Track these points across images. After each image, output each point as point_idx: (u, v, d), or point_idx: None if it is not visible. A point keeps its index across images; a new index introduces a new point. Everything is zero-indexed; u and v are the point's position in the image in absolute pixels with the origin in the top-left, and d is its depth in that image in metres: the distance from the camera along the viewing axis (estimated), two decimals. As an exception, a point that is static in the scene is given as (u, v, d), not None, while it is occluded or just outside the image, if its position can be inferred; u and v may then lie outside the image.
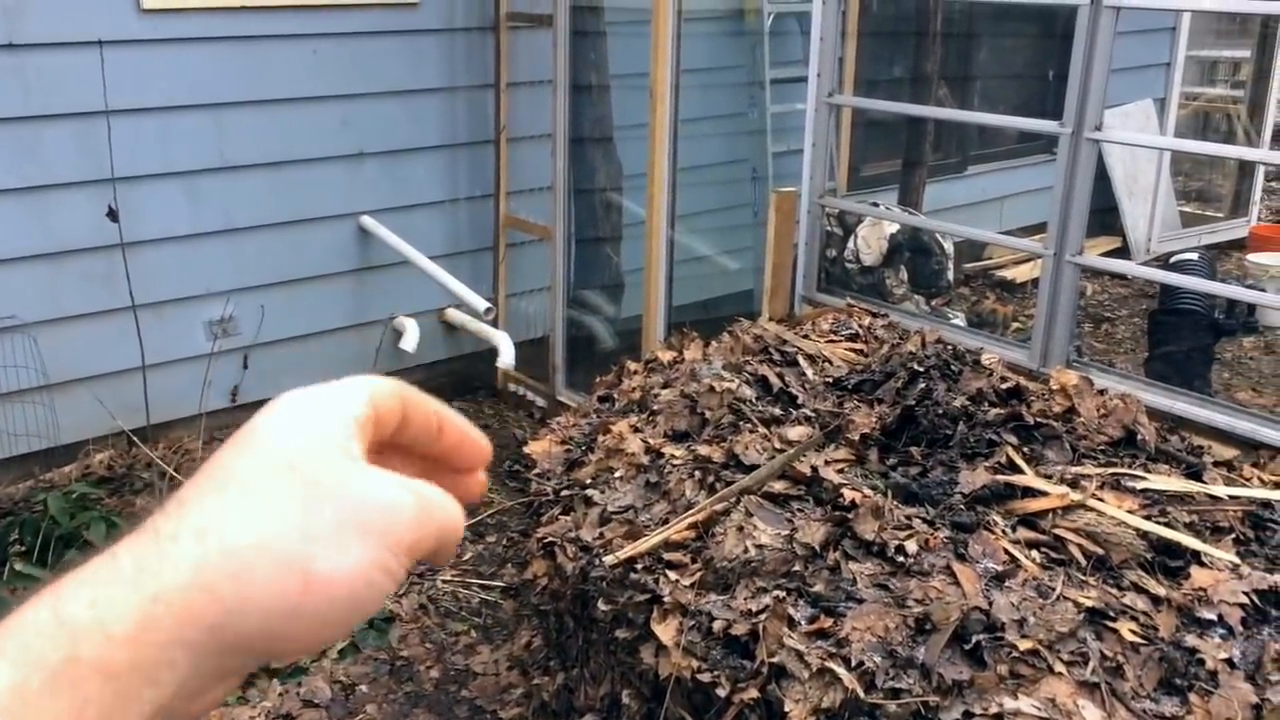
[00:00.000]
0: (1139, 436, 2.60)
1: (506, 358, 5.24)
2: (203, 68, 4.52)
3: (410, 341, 5.26)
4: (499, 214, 5.51)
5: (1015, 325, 6.10)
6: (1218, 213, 8.72)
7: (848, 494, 2.30)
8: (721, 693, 2.07)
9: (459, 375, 5.69)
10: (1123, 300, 7.26)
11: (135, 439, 4.47)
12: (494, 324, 5.54)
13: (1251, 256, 7.08)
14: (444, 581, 3.77)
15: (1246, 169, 8.52)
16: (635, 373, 3.26)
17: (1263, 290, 6.68)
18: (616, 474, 2.63)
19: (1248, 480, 2.77)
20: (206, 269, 4.68)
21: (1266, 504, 2.58)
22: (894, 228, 4.16)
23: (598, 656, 2.39)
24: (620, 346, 5.32)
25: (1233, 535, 2.44)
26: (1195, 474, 2.61)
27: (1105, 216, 8.34)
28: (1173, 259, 4.55)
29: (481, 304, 4.88)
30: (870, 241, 4.03)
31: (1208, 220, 8.56)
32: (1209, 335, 3.73)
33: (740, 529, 2.25)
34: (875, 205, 4.28)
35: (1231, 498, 2.37)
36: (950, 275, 4.44)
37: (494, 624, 3.55)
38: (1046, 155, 8.39)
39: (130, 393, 4.56)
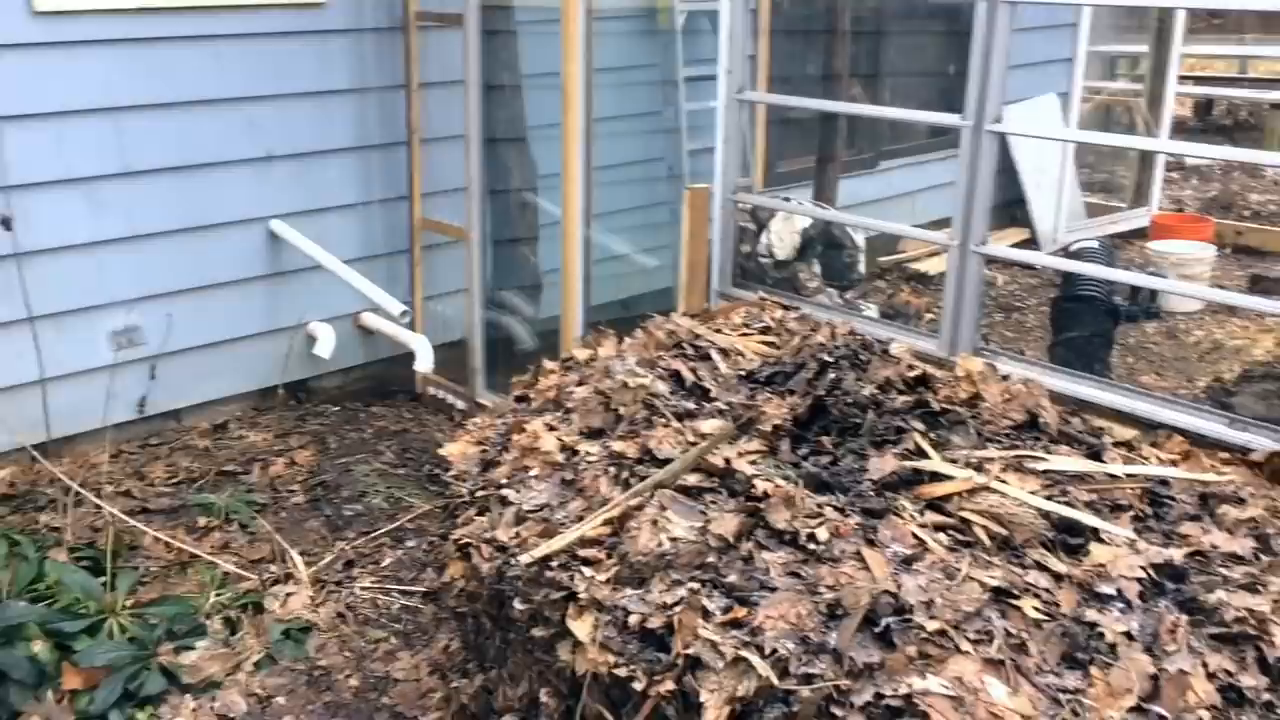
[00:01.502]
0: (1041, 420, 2.67)
1: (424, 361, 5.19)
2: (101, 71, 4.40)
3: (325, 347, 5.18)
4: (413, 216, 5.45)
5: (929, 316, 6.22)
6: (1121, 203, 8.99)
7: (760, 485, 2.32)
8: (638, 686, 2.07)
9: (377, 380, 5.62)
10: (1032, 289, 7.44)
11: (37, 455, 4.33)
12: (411, 327, 5.48)
13: (1152, 244, 7.32)
14: (362, 589, 3.72)
15: (1147, 160, 8.81)
16: (552, 372, 3.24)
17: (1163, 276, 6.92)
18: (532, 473, 2.62)
19: (1146, 459, 2.85)
20: (109, 277, 4.55)
21: (1163, 481, 2.67)
22: (806, 222, 4.21)
23: (515, 656, 2.38)
24: (540, 347, 5.30)
25: (1132, 512, 2.52)
26: (1095, 454, 2.68)
27: (1014, 209, 8.56)
28: (1073, 247, 4.68)
29: (397, 307, 4.82)
30: (783, 236, 4.08)
31: (1111, 210, 8.82)
32: (1109, 320, 3.85)
33: (654, 523, 2.26)
34: (787, 200, 4.33)
35: (1129, 476, 2.45)
36: (862, 268, 4.51)
37: (415, 629, 3.51)
38: (956, 150, 8.59)
39: (30, 407, 4.42)
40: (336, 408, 5.33)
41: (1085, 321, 3.77)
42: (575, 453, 2.64)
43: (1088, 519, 2.25)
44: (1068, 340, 3.89)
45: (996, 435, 2.61)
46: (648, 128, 6.15)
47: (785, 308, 3.24)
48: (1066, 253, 4.47)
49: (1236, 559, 2.35)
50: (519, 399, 3.20)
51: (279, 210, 5.01)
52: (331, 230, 5.19)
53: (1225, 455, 2.86)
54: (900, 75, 8.18)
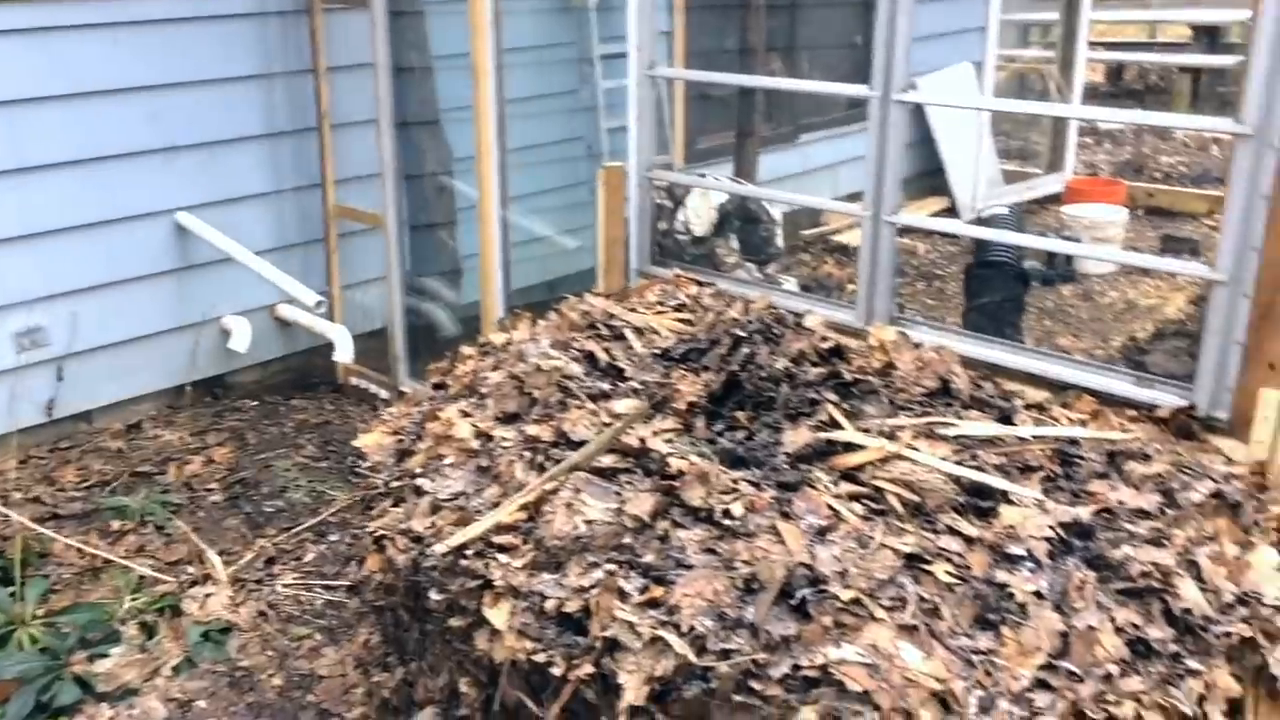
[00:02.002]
0: (953, 386, 2.70)
1: (344, 352, 5.11)
2: (-11, 63, 4.23)
3: (241, 341, 5.07)
4: (327, 203, 5.34)
5: (851, 287, 6.26)
6: (1037, 169, 9.14)
7: (675, 463, 2.31)
8: (557, 671, 2.06)
9: (297, 372, 5.51)
10: (953, 257, 7.53)
11: (-60, 463, 4.18)
12: (330, 317, 5.39)
13: (1067, 209, 7.44)
14: (284, 586, 3.65)
15: (1060, 126, 8.95)
16: (469, 357, 3.20)
17: (1078, 240, 7.05)
18: (447, 461, 2.58)
19: (1056, 420, 2.90)
20: (7, 277, 4.39)
21: (1073, 441, 2.71)
22: (722, 198, 4.20)
23: (434, 648, 2.34)
24: (463, 333, 5.23)
25: (1042, 473, 2.55)
26: (1006, 418, 2.72)
27: (933, 179, 8.66)
28: (983, 214, 4.73)
29: (311, 298, 4.73)
30: (700, 212, 4.06)
31: (1028, 177, 8.96)
32: (1019, 285, 3.90)
33: (569, 506, 2.24)
34: (703, 176, 4.32)
35: (1037, 438, 2.48)
36: (780, 241, 4.52)
37: (339, 624, 3.45)
38: (875, 121, 8.65)
39: (-69, 414, 4.26)
40: (255, 402, 5.22)
41: (997, 287, 3.81)
42: (490, 439, 2.61)
43: (997, 482, 2.28)
44: (980, 306, 3.94)
45: (909, 403, 2.63)
46: (565, 107, 6.09)
47: (700, 284, 3.22)
48: (978, 220, 4.52)
49: (1143, 514, 2.40)
50: (436, 386, 3.16)
51: (186, 202, 4.87)
52: (242, 221, 5.06)
53: (1133, 413, 2.91)
54: (820, 48, 8.20)
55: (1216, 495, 2.45)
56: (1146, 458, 2.59)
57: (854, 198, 7.75)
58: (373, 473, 2.75)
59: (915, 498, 2.27)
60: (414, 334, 5.34)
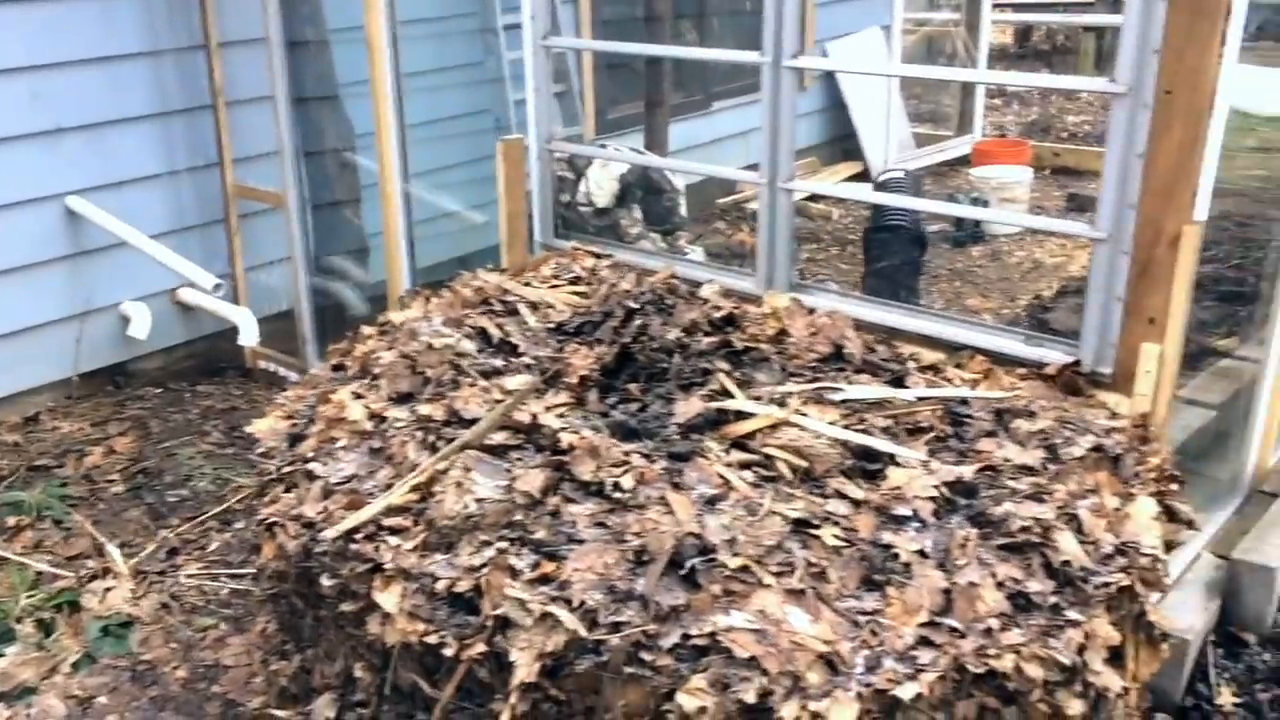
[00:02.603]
0: (846, 350, 2.73)
1: (248, 335, 5.00)
2: None
3: (140, 328, 4.94)
4: (226, 183, 5.21)
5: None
6: (947, 132, 9.26)
7: (565, 438, 2.31)
8: (449, 652, 2.05)
9: (203, 357, 5.39)
10: (866, 222, 7.62)
11: None
12: (234, 300, 5.27)
13: (974, 170, 7.56)
14: (188, 576, 3.58)
15: (969, 89, 9.07)
16: (369, 337, 3.15)
17: (985, 202, 7.17)
18: (339, 444, 2.54)
19: (949, 380, 2.95)
20: (-115, 270, 4.22)
21: (964, 400, 2.76)
22: (623, 168, 4.18)
23: (329, 634, 2.32)
24: (373, 312, 5.15)
25: (933, 433, 2.60)
26: (899, 380, 2.76)
27: (846, 144, 8.73)
28: (879, 178, 4.77)
29: (209, 280, 4.61)
30: (601, 183, 4.04)
31: (938, 140, 9.07)
32: (916, 248, 3.95)
33: (459, 485, 2.22)
34: (603, 146, 4.29)
35: (921, 399, 2.52)
36: (683, 211, 4.51)
37: (245, 613, 3.40)
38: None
39: None
40: (159, 390, 5.10)
41: (894, 250, 3.86)
42: (383, 420, 2.58)
43: (883, 445, 2.31)
44: (878, 270, 3.98)
45: (802, 369, 2.66)
46: (469, 79, 5.99)
47: (598, 256, 3.21)
48: (875, 184, 4.56)
49: (1027, 470, 2.46)
50: (335, 368, 3.10)
51: (75, 186, 4.71)
52: (137, 203, 4.91)
53: (1023, 371, 2.98)
54: (733, 14, 8.20)
55: (1097, 449, 2.52)
56: (1032, 415, 2.65)
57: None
58: (266, 458, 2.70)
59: (804, 463, 2.30)
60: (322, 314, 5.25)
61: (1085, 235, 2.87)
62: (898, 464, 2.34)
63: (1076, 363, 2.90)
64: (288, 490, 2.52)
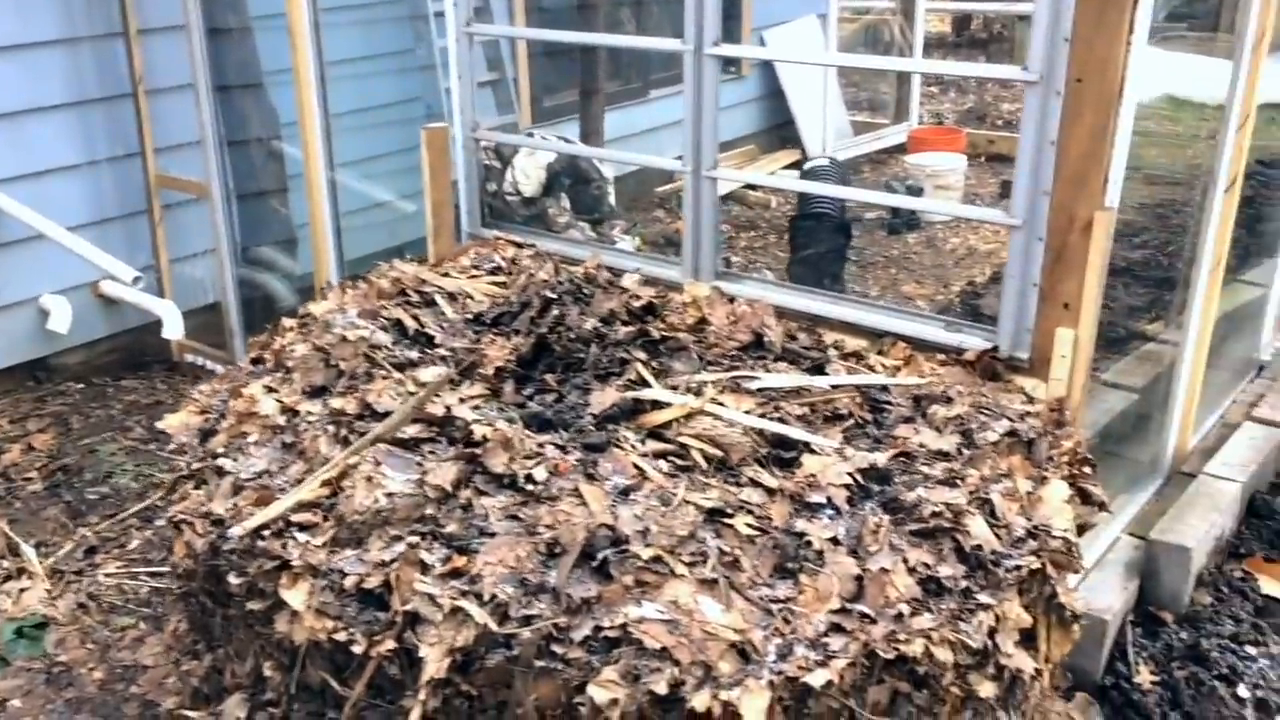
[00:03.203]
0: (766, 339, 2.73)
1: (173, 328, 4.90)
2: None
3: (61, 321, 4.81)
4: (148, 173, 5.09)
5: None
6: (884, 120, 9.33)
7: (478, 430, 2.28)
8: (358, 649, 2.01)
9: (127, 351, 5.27)
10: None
11: None
12: (160, 293, 5.17)
13: (909, 158, 7.62)
14: (106, 575, 3.50)
15: (905, 77, 9.14)
16: (290, 330, 3.09)
17: (920, 190, 7.23)
18: (251, 439, 2.50)
19: (871, 367, 2.97)
20: None
21: (884, 387, 2.78)
22: (550, 157, 4.15)
23: (238, 633, 2.27)
24: (303, 304, 5.07)
25: (851, 420, 2.61)
26: (819, 368, 2.76)
27: (784, 131, 8.76)
28: (805, 166, 4.79)
29: (128, 273, 4.51)
30: (528, 172, 4.00)
31: (876, 127, 9.13)
32: (841, 236, 3.95)
33: (369, 480, 2.19)
34: (530, 135, 4.25)
35: (835, 387, 2.53)
36: (612, 200, 4.48)
37: (165, 612, 3.33)
38: (726, 74, 8.68)
39: None
40: (82, 385, 4.98)
41: (819, 238, 3.86)
42: (296, 414, 2.53)
43: (796, 433, 2.31)
44: (804, 258, 3.98)
45: (722, 358, 2.65)
46: (400, 67, 5.91)
47: (519, 245, 3.18)
48: (801, 173, 4.57)
49: (942, 455, 2.48)
50: (254, 361, 3.05)
51: (-12, 176, 4.58)
52: (55, 194, 4.78)
53: (943, 357, 3.00)
54: (666, 2, 8.16)
55: (1011, 434, 2.54)
56: (949, 401, 2.67)
57: (720, 148, 7.76)
58: (178, 455, 2.64)
59: (719, 452, 2.29)
60: (250, 306, 5.15)
61: (1000, 223, 2.89)
62: (813, 452, 2.34)
63: (994, 349, 2.92)
64: (198, 487, 2.46)
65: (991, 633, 2.15)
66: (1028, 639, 2.33)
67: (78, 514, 3.88)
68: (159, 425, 2.78)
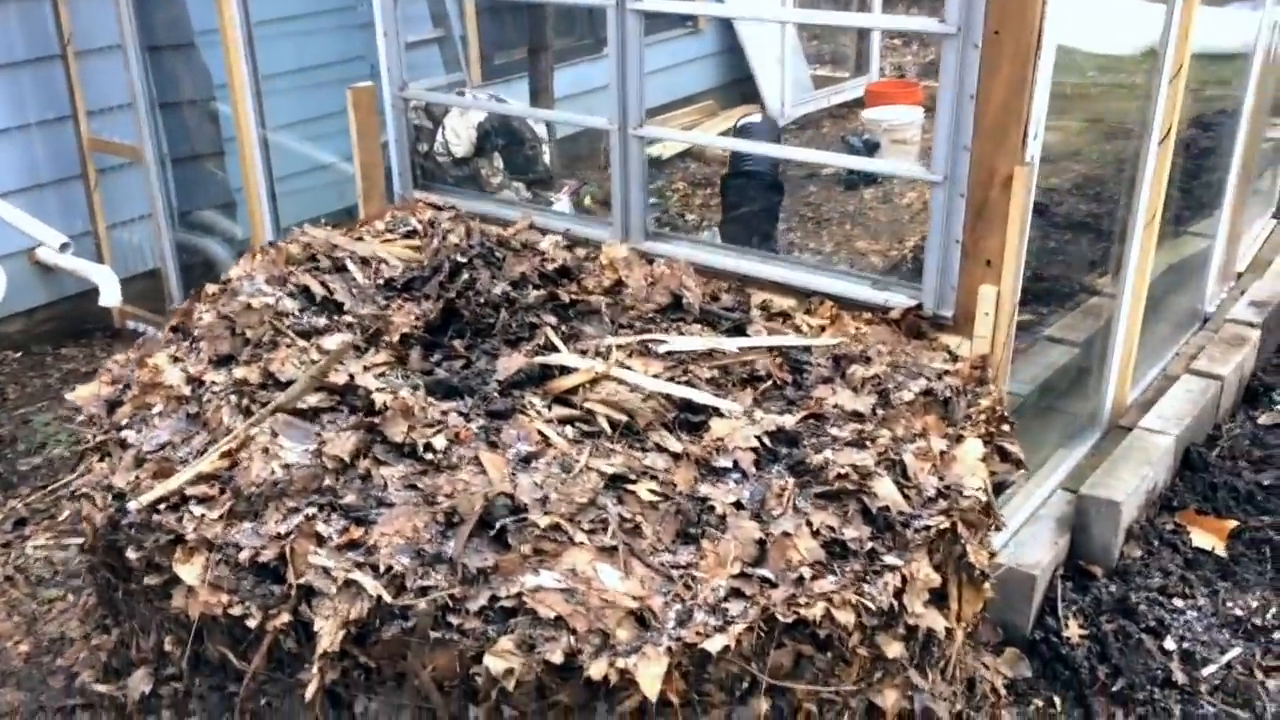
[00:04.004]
0: (685, 300, 2.69)
1: (110, 295, 4.82)
2: None
3: (-5, 291, 4.72)
4: (81, 137, 4.99)
5: (651, 200, 6.23)
6: (844, 73, 9.23)
7: (379, 398, 2.24)
8: (253, 623, 1.99)
9: (67, 319, 5.19)
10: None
11: None
12: (98, 259, 5.08)
13: (867, 112, 7.55)
14: (35, 547, 3.46)
15: (864, 30, 9.04)
16: (212, 297, 3.03)
17: (876, 144, 7.17)
18: (155, 410, 2.45)
19: (797, 327, 2.94)
20: None
21: (807, 349, 2.75)
22: (481, 116, 4.07)
23: (140, 607, 2.24)
24: (245, 268, 4.99)
25: (771, 381, 2.58)
26: (740, 328, 2.73)
27: (744, 87, 8.66)
28: (738, 123, 4.73)
29: (56, 239, 4.42)
30: (459, 132, 3.92)
31: (836, 81, 9.04)
32: (773, 194, 3.90)
33: (265, 451, 2.15)
34: (460, 94, 4.16)
35: (743, 349, 2.49)
36: (547, 159, 4.41)
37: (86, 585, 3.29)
38: (683, 29, 8.57)
39: None
40: (19, 354, 4.91)
41: (750, 197, 3.81)
42: (202, 384, 2.48)
43: (700, 396, 2.28)
44: (736, 217, 3.93)
45: (638, 321, 2.61)
46: (340, 24, 5.77)
47: (438, 208, 3.12)
48: (734, 130, 4.51)
49: (857, 416, 2.46)
50: (174, 329, 2.99)
51: (-88, 142, 4.47)
52: (-16, 160, 4.69)
53: (869, 315, 2.97)
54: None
55: (927, 393, 2.52)
56: (867, 360, 2.65)
57: (682, 103, 7.69)
58: (85, 427, 2.59)
59: (624, 418, 2.26)
60: (191, 272, 5.08)
61: (922, 178, 2.85)
62: (722, 416, 2.31)
63: (919, 306, 2.90)
64: (102, 460, 2.42)
65: (898, 593, 2.14)
66: (939, 598, 2.33)
67: (9, 485, 3.82)
68: (68, 396, 2.73)
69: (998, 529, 2.79)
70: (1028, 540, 3.25)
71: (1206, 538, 3.39)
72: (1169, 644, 3.06)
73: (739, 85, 8.65)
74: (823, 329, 2.93)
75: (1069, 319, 4.34)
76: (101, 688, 2.39)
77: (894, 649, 2.18)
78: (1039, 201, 5.71)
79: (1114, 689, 3.00)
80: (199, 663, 2.13)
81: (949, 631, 2.31)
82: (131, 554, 2.16)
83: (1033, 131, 2.65)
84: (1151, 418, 3.68)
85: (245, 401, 2.34)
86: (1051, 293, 4.59)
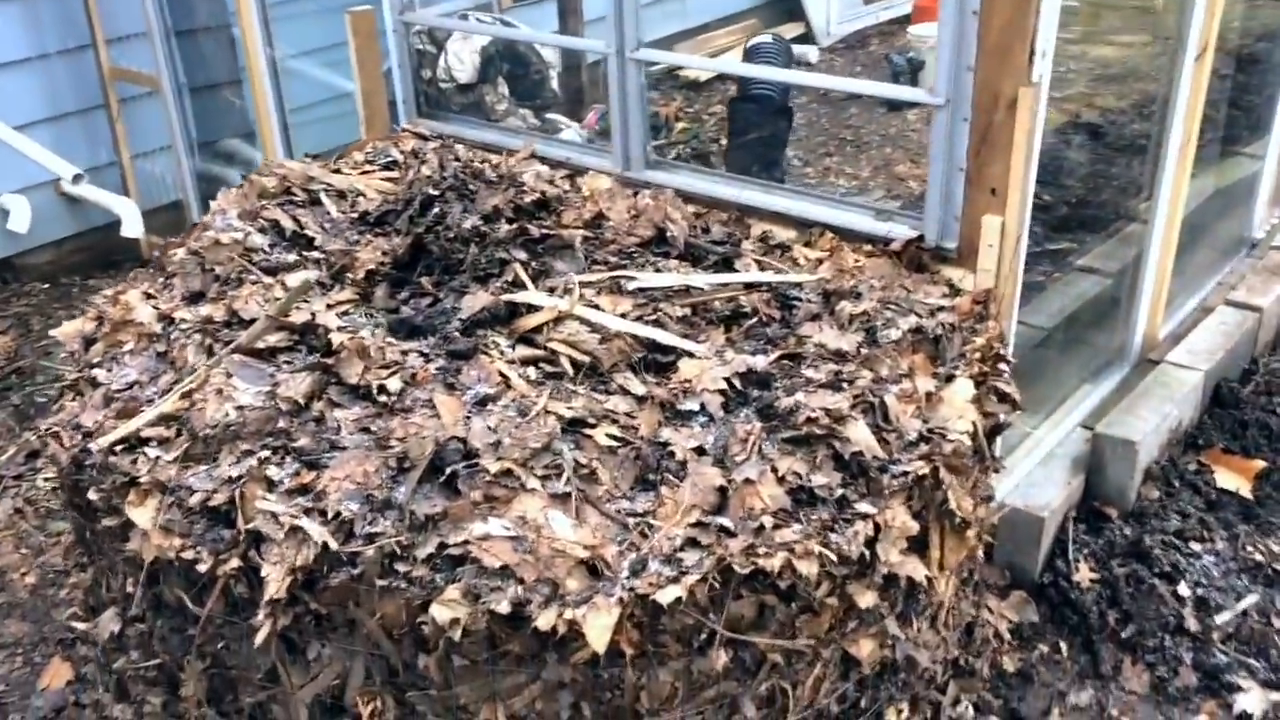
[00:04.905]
0: (670, 234, 2.58)
1: (132, 226, 4.84)
2: None
3: (20, 221, 4.76)
4: (101, 66, 4.96)
5: (680, 125, 6.06)
6: (895, -13, 8.85)
7: (335, 338, 2.18)
8: (203, 568, 1.97)
9: (98, 250, 5.22)
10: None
11: None
12: (124, 190, 5.10)
13: (913, 28, 7.23)
14: (45, 479, 3.51)
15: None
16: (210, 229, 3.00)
17: (922, 62, 6.87)
18: (126, 348, 2.43)
19: (796, 260, 2.82)
20: None
21: (798, 285, 2.63)
22: (485, 40, 3.94)
23: (107, 547, 2.24)
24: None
25: (756, 318, 2.48)
26: (728, 262, 2.62)
27: (790, 2, 8.36)
28: (748, 44, 4.51)
29: (68, 171, 4.43)
30: (462, 57, 3.80)
31: (886, -3, 8.68)
32: (782, 120, 3.71)
33: (219, 393, 2.11)
34: (464, 18, 4.03)
35: (713, 286, 2.38)
36: (555, 84, 4.26)
37: (96, 516, 3.34)
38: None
39: None
40: (47, 285, 4.96)
41: (757, 123, 3.63)
42: (173, 321, 2.45)
43: (665, 337, 2.19)
44: (741, 144, 3.76)
45: (617, 256, 2.51)
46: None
47: (424, 138, 3.03)
48: (744, 51, 4.30)
49: (841, 356, 2.35)
50: (147, 265, 2.96)
51: (-69, 74, 4.48)
52: (6, 90, 4.68)
53: (869, 248, 2.84)
54: None
55: (917, 331, 2.40)
56: (858, 296, 2.53)
57: (723, 23, 7.45)
58: (65, 364, 2.59)
59: (588, 359, 2.18)
60: (211, 202, 5.06)
61: (923, 101, 2.69)
62: (693, 355, 2.22)
63: (920, 238, 2.75)
64: (74, 399, 2.41)
65: (870, 542, 2.06)
66: (921, 546, 2.24)
67: (26, 417, 3.88)
68: (53, 333, 2.72)
69: (994, 471, 2.68)
70: (1040, 480, 3.13)
71: (1232, 478, 3.23)
72: (1183, 589, 2.94)
73: (784, 1, 8.35)
74: (820, 262, 2.80)
75: (1105, 247, 4.14)
76: (80, 625, 2.42)
77: (867, 599, 2.10)
78: (1093, 123, 5.43)
79: (1123, 635, 2.89)
80: (159, 605, 2.13)
81: (929, 580, 2.22)
82: (93, 495, 2.16)
83: (1040, 50, 2.47)
84: (1180, 352, 3.50)
85: (208, 341, 2.30)
86: (1098, 219, 4.37)
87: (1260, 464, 3.26)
